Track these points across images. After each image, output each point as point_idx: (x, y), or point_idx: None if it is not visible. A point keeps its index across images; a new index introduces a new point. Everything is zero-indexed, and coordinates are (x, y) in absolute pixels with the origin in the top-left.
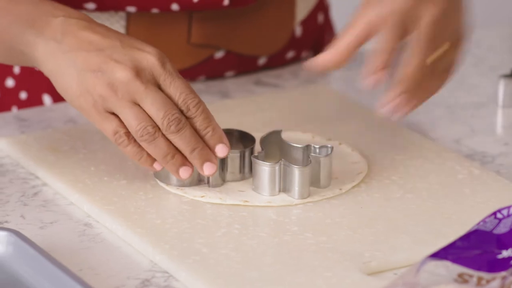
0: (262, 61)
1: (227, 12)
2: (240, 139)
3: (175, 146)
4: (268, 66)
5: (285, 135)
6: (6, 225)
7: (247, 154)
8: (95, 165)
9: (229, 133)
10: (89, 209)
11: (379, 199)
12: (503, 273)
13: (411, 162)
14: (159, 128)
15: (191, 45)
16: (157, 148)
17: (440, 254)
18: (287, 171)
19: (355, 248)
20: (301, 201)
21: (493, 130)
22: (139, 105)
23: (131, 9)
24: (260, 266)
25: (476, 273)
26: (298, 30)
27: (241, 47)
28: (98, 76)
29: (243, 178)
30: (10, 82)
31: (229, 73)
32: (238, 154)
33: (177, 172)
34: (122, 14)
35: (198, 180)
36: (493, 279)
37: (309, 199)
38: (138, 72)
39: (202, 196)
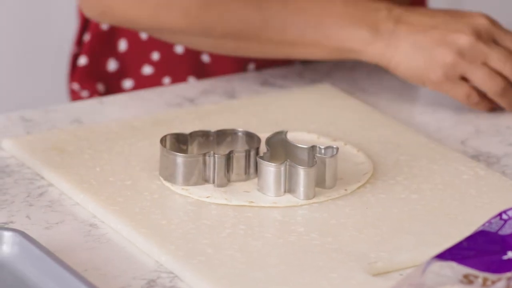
0: None
1: None
2: (246, 139)
3: None
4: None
5: (290, 136)
6: (11, 226)
7: (252, 154)
8: (101, 165)
9: (234, 133)
10: (94, 209)
11: (384, 200)
12: (508, 274)
13: (416, 162)
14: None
15: None
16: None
17: (445, 255)
18: (292, 171)
19: (360, 248)
20: (306, 201)
21: (498, 131)
22: (486, 65)
23: None
24: (265, 267)
25: (481, 274)
26: None
27: None
28: (445, 48)
29: (248, 179)
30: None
31: (251, 65)
32: (244, 154)
33: None
34: None
35: (203, 180)
36: (499, 280)
37: (314, 200)
38: (478, 35)
39: (207, 197)
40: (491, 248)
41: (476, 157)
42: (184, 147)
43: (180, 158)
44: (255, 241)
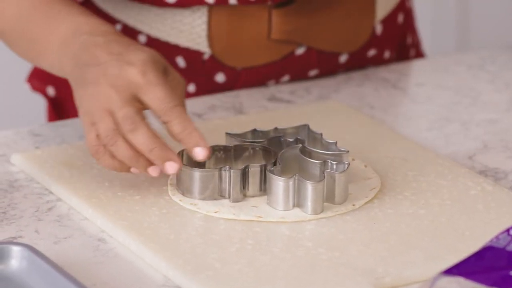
0: (343, 58)
1: (306, 7)
2: (263, 154)
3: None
4: (349, 66)
5: (303, 150)
6: (20, 240)
7: (268, 169)
8: (109, 180)
9: (252, 148)
10: (102, 224)
11: (392, 215)
12: None
13: (424, 178)
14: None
15: (271, 41)
16: (119, 150)
17: (453, 270)
18: (301, 186)
19: (368, 263)
20: (314, 216)
21: (506, 147)
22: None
23: (210, 0)
24: (273, 282)
25: None
26: (379, 28)
27: (321, 43)
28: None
29: (263, 194)
30: None
31: (312, 72)
32: (259, 169)
33: (146, 171)
34: (203, 9)
35: (219, 195)
36: None
37: (322, 215)
38: (117, 88)
39: (215, 212)
40: (498, 263)
41: (484, 172)
42: (202, 162)
43: (195, 172)
44: (263, 256)
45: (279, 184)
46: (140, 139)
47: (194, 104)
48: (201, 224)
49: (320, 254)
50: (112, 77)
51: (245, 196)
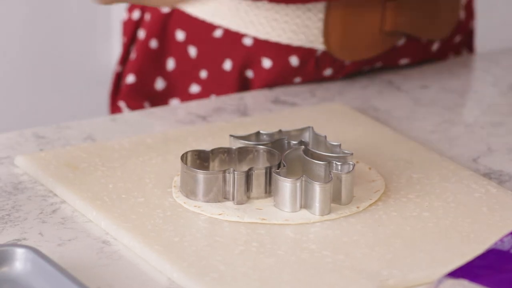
0: (435, 47)
1: None
2: (267, 156)
3: None
4: (439, 54)
5: (307, 152)
6: (24, 242)
7: (272, 171)
8: (113, 182)
9: (255, 150)
10: (107, 226)
11: (397, 217)
12: None
13: (428, 180)
14: None
15: (382, 33)
16: None
17: (457, 273)
18: (308, 187)
19: (372, 266)
20: (318, 219)
21: (510, 149)
22: None
23: None
24: (278, 284)
25: None
26: (462, 14)
27: (425, 32)
28: None
29: (268, 196)
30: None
31: (404, 61)
32: (263, 171)
33: None
34: (320, 6)
35: (223, 197)
36: None
37: (326, 217)
38: None
39: (219, 214)
40: (503, 266)
41: (488, 175)
42: (206, 164)
43: (199, 175)
44: (268, 258)
45: (286, 185)
46: None
47: (199, 106)
48: (206, 226)
49: (324, 257)
50: None
51: (249, 198)
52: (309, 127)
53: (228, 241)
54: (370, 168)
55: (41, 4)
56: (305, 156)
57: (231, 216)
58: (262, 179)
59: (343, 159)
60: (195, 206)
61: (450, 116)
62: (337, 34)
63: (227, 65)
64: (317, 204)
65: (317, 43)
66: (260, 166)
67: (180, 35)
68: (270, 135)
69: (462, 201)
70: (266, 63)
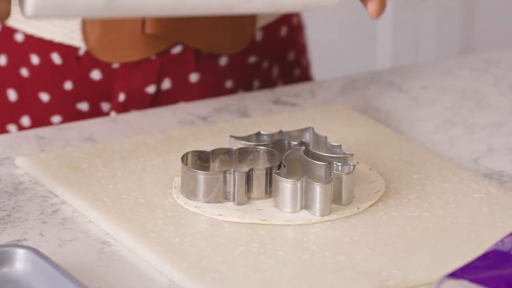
0: (223, 61)
1: None
2: (268, 157)
3: None
4: (232, 73)
5: (307, 152)
6: (24, 243)
7: (273, 172)
8: (114, 183)
9: (256, 151)
10: (107, 227)
11: (397, 218)
12: None
13: (429, 181)
14: None
15: (146, 36)
16: None
17: (457, 273)
18: (308, 188)
19: (373, 266)
20: (319, 219)
21: (511, 150)
22: None
23: None
24: (278, 285)
25: None
26: (259, 35)
27: (198, 42)
28: None
29: (269, 197)
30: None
31: (194, 77)
32: (264, 172)
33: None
34: None
35: (224, 198)
36: None
37: (327, 218)
38: None
39: (220, 215)
40: (503, 267)
41: (489, 175)
42: (206, 165)
43: (199, 175)
44: (268, 259)
45: (286, 186)
46: None
47: (199, 107)
48: (206, 227)
49: (325, 257)
50: None
51: (249, 199)
52: (309, 127)
53: (229, 241)
54: (370, 169)
55: None
56: (305, 156)
57: (231, 216)
58: (262, 180)
59: (344, 159)
60: (195, 206)
61: (451, 116)
62: (96, 31)
63: (2, 60)
64: (317, 204)
65: (78, 41)
66: (260, 167)
67: None
68: (270, 135)
69: (462, 202)
70: (35, 59)
